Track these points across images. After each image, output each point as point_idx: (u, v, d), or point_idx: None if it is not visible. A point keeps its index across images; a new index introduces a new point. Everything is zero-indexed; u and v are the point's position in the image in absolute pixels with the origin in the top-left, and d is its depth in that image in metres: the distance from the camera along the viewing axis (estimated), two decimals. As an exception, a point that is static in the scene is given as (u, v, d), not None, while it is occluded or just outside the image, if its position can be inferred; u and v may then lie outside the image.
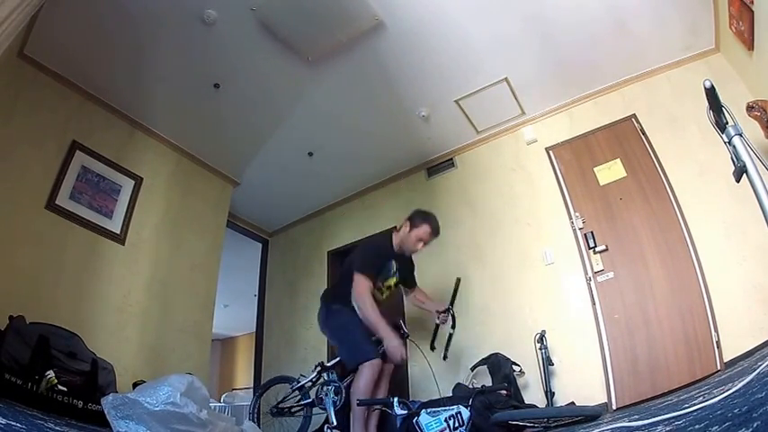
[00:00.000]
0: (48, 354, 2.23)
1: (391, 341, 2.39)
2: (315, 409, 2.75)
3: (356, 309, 2.51)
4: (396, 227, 2.91)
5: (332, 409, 2.53)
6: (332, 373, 2.71)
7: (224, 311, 7.52)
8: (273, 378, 3.18)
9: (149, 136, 3.78)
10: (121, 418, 1.85)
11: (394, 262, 2.75)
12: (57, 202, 3.00)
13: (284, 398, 2.88)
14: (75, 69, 3.21)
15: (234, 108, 3.72)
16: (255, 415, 3.06)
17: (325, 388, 2.65)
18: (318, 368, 2.75)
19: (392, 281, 2.78)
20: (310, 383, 2.78)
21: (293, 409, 2.84)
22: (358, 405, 2.35)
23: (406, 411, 2.26)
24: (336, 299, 2.67)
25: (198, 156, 4.14)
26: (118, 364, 2.75)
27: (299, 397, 2.81)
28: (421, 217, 2.74)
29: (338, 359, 2.75)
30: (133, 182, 3.52)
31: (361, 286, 2.50)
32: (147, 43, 3.12)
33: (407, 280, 2.97)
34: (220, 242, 4.22)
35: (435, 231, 2.76)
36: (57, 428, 1.69)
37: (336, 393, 2.60)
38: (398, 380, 3.01)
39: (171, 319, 3.52)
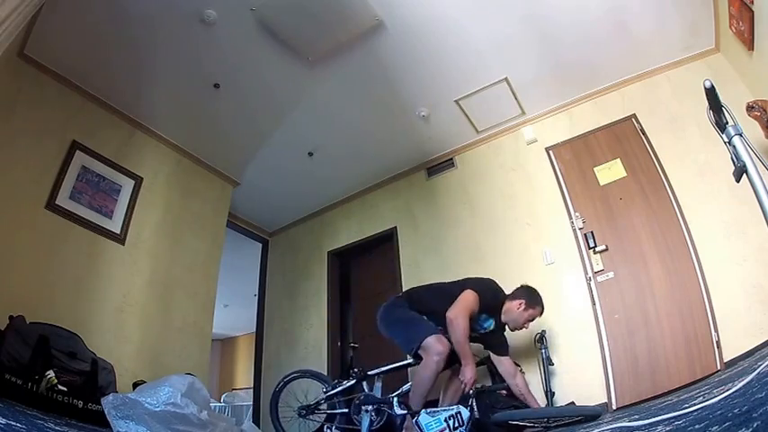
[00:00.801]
0: (48, 353, 2.23)
1: (470, 368, 2.23)
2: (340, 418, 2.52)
3: (448, 321, 2.30)
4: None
5: (368, 428, 2.28)
6: (377, 383, 2.44)
7: (224, 311, 7.53)
8: (302, 370, 2.91)
9: (149, 136, 3.78)
10: (122, 418, 1.85)
11: (494, 319, 2.59)
12: (57, 202, 3.00)
13: (318, 401, 2.64)
14: (76, 69, 3.21)
15: (234, 108, 3.73)
16: (275, 406, 2.76)
17: (366, 406, 2.35)
18: (359, 374, 2.50)
19: (481, 332, 2.61)
20: (346, 391, 2.53)
21: (327, 416, 2.61)
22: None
23: (405, 411, 2.26)
24: (414, 302, 2.49)
25: (198, 156, 4.15)
26: (118, 364, 2.76)
27: (333, 404, 2.59)
28: (535, 298, 2.60)
29: (384, 367, 2.48)
30: (133, 182, 3.53)
31: (468, 301, 2.34)
32: (147, 43, 3.12)
33: (494, 345, 2.71)
34: (220, 242, 4.23)
35: (542, 311, 2.64)
36: (57, 428, 1.69)
37: (377, 414, 2.32)
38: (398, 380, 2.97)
39: (171, 319, 3.52)
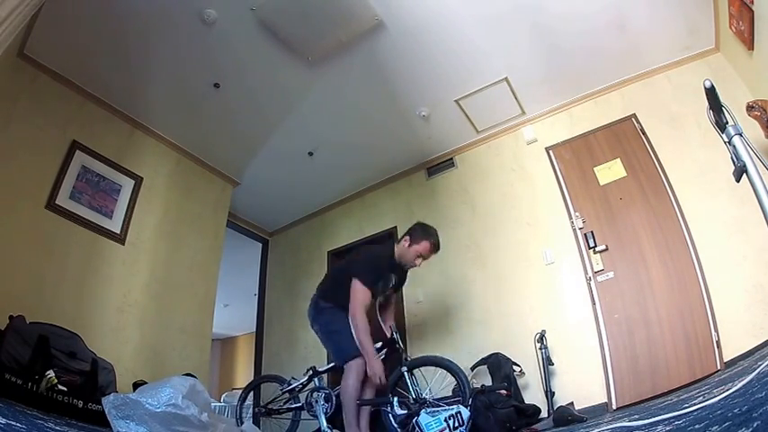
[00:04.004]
0: (48, 353, 2.23)
1: (372, 367, 2.34)
2: (303, 413, 2.74)
3: (350, 319, 2.44)
4: (397, 237, 2.86)
5: (323, 416, 2.53)
6: (322, 379, 2.72)
7: (224, 311, 7.52)
8: (264, 376, 3.17)
9: (149, 136, 3.78)
10: (122, 418, 1.85)
11: (393, 276, 2.68)
12: (57, 202, 3.00)
13: (273, 398, 2.87)
14: (75, 69, 3.21)
15: (234, 108, 3.72)
16: (239, 410, 3.04)
17: (315, 394, 2.64)
18: (310, 372, 2.73)
19: (389, 291, 2.77)
20: (300, 387, 2.77)
21: (282, 412, 2.83)
22: (359, 405, 2.34)
23: (405, 411, 2.27)
24: (328, 297, 2.63)
25: (198, 156, 4.14)
26: (118, 364, 2.75)
27: (289, 399, 2.81)
28: (421, 232, 2.68)
29: (331, 365, 2.75)
30: (133, 182, 3.52)
31: (359, 300, 2.44)
32: (147, 43, 3.11)
33: (397, 290, 2.89)
34: (220, 242, 4.22)
35: (435, 247, 2.69)
36: (57, 428, 1.69)
37: (327, 400, 2.59)
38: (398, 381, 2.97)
39: (171, 319, 3.52)
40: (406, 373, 2.40)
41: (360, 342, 2.38)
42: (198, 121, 3.83)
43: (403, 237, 2.73)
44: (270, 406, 2.88)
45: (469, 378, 3.17)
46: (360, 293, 2.45)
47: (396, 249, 2.71)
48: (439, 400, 2.42)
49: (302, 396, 2.78)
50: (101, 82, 3.35)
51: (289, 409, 2.80)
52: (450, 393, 2.57)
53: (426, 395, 2.43)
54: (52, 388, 2.10)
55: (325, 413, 2.55)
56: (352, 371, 2.37)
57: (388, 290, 2.74)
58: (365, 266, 2.58)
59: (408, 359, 2.56)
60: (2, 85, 2.82)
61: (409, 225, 4.24)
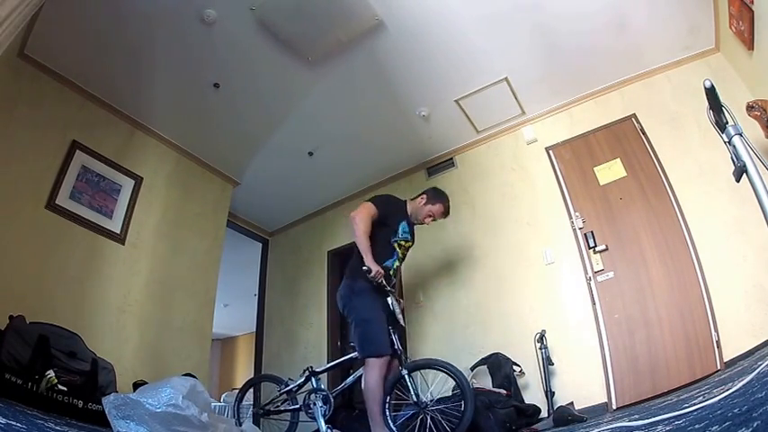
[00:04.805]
0: (48, 353, 2.23)
1: (369, 259, 2.41)
2: (302, 415, 2.70)
3: (349, 219, 2.54)
4: (409, 198, 2.89)
5: (321, 419, 2.50)
6: (320, 380, 2.68)
7: (224, 311, 7.53)
8: (261, 375, 3.10)
9: (149, 136, 3.78)
10: (122, 418, 1.85)
11: (406, 224, 2.73)
12: (57, 202, 3.00)
13: (271, 399, 2.84)
14: (76, 69, 3.21)
15: (234, 108, 3.72)
16: (237, 410, 3.01)
17: (312, 396, 2.60)
18: (307, 373, 2.70)
19: (409, 243, 2.76)
20: (297, 388, 2.74)
21: (280, 413, 2.79)
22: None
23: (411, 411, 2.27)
24: (361, 273, 2.48)
25: (198, 156, 4.14)
26: (118, 364, 2.75)
27: (287, 400, 2.77)
28: (437, 194, 2.82)
29: (329, 365, 2.77)
30: (133, 181, 3.52)
31: (364, 210, 2.53)
32: (147, 43, 3.11)
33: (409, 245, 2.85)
34: (220, 242, 4.22)
35: (446, 212, 2.84)
36: (57, 428, 1.69)
37: (325, 402, 2.56)
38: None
39: (171, 319, 3.52)
40: (406, 376, 2.36)
41: (357, 238, 2.47)
42: (198, 121, 3.83)
43: (418, 195, 2.84)
44: (268, 407, 2.86)
45: (469, 378, 3.17)
46: (365, 206, 2.57)
47: (409, 205, 2.81)
48: (439, 401, 2.40)
49: (300, 397, 2.74)
50: (101, 82, 3.35)
51: (286, 411, 2.77)
52: (450, 394, 2.56)
53: (426, 397, 2.40)
54: (52, 388, 2.10)
55: (324, 415, 2.51)
56: (376, 368, 2.29)
57: (411, 243, 2.76)
58: (379, 198, 2.71)
59: (408, 361, 2.52)
60: (2, 85, 2.82)
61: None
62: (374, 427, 2.25)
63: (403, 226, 2.70)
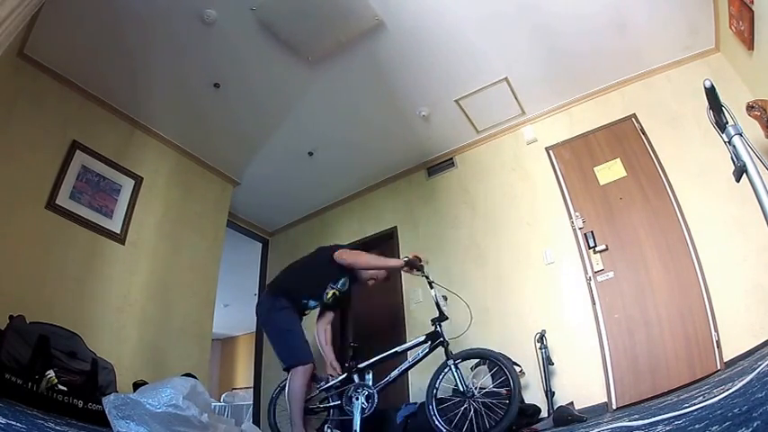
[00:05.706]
0: (48, 353, 2.23)
1: (393, 261, 2.70)
2: (337, 414, 2.63)
3: (348, 264, 2.61)
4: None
5: (359, 415, 2.43)
6: (367, 375, 2.58)
7: (224, 311, 7.51)
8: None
9: (149, 136, 3.78)
10: (122, 418, 1.85)
11: (349, 280, 2.75)
12: (57, 202, 3.00)
13: (310, 397, 2.69)
14: (75, 69, 3.21)
15: (234, 108, 3.72)
16: (273, 411, 2.85)
17: (357, 390, 2.52)
18: (350, 369, 2.61)
19: (337, 291, 2.73)
20: (338, 384, 2.64)
21: (317, 411, 2.69)
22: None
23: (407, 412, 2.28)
24: (285, 293, 2.61)
25: (198, 155, 4.14)
26: (118, 364, 2.76)
27: (326, 398, 2.67)
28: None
29: (373, 360, 2.63)
30: (133, 181, 3.52)
31: (345, 253, 2.63)
32: (147, 43, 3.12)
33: (341, 303, 2.89)
34: (220, 242, 4.22)
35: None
36: (57, 428, 1.69)
37: (368, 399, 2.48)
38: (398, 384, 2.95)
39: (171, 319, 3.52)
40: (452, 367, 2.38)
41: (375, 264, 2.71)
42: (198, 121, 3.83)
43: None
44: (306, 404, 2.70)
45: (469, 378, 3.17)
46: (343, 252, 2.64)
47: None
48: (486, 393, 2.44)
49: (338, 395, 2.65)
50: (101, 82, 3.35)
51: (325, 408, 2.65)
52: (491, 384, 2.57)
53: (473, 389, 2.43)
54: (52, 388, 2.10)
55: (363, 412, 2.44)
56: (300, 375, 2.41)
57: (341, 293, 2.76)
58: (346, 247, 2.77)
59: (452, 353, 2.51)
60: (2, 85, 2.82)
61: (409, 225, 4.30)
62: (294, 428, 2.37)
63: (344, 281, 2.74)
